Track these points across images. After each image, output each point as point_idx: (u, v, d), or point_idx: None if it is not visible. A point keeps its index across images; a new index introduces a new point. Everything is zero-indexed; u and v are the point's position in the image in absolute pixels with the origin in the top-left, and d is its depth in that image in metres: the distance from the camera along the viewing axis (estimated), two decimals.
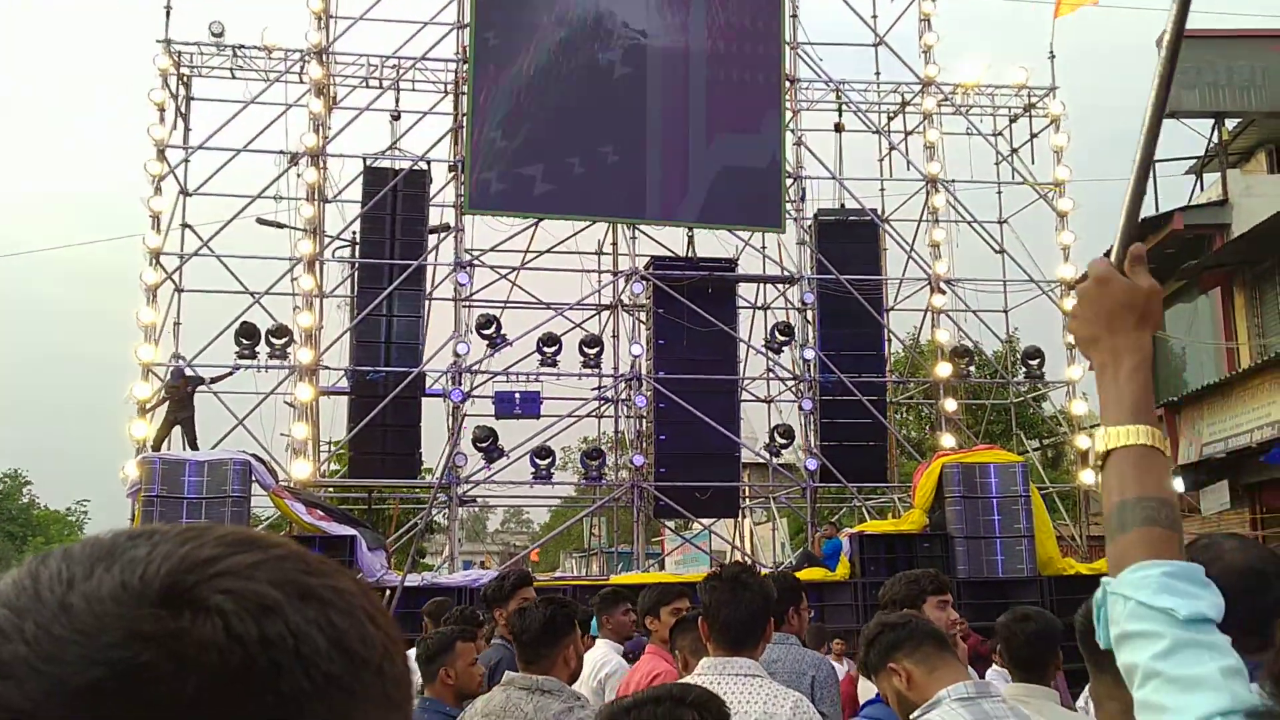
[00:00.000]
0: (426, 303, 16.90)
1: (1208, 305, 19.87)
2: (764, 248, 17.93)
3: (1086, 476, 17.12)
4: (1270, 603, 2.03)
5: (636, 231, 17.20)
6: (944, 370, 17.31)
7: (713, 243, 17.99)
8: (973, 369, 18.81)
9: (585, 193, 16.69)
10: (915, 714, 2.72)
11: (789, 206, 17.24)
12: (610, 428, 19.25)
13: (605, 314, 18.05)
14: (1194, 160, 20.66)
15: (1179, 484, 17.22)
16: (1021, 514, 12.34)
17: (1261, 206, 16.91)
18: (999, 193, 18.79)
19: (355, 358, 16.41)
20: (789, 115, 17.48)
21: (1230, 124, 19.10)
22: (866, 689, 4.38)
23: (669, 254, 17.78)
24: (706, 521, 19.09)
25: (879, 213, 18.35)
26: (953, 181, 18.06)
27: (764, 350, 17.75)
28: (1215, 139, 19.09)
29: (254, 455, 13.25)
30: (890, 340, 18.39)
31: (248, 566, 0.55)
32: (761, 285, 18.44)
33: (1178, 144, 20.69)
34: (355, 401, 16.45)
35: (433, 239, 17.16)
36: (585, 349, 16.70)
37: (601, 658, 5.23)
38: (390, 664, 0.58)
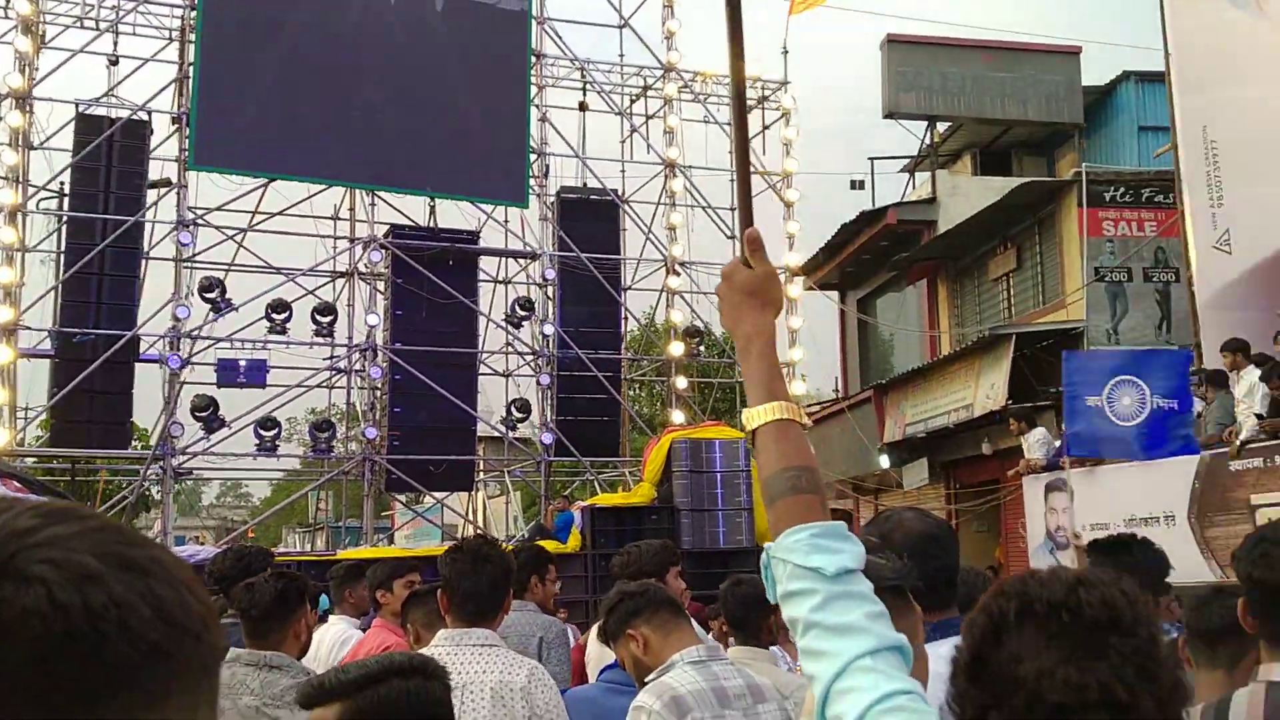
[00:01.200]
0: (144, 262, 15.85)
1: (915, 295, 21.44)
2: (507, 222, 17.91)
3: None
4: (945, 564, 2.26)
5: (375, 198, 16.77)
6: (676, 349, 17.88)
7: (455, 214, 17.80)
8: (703, 349, 19.52)
9: (321, 155, 16.10)
10: (650, 677, 2.83)
11: (532, 182, 17.29)
12: (342, 399, 18.75)
13: (340, 281, 17.53)
14: (908, 159, 22.18)
15: (884, 461, 18.52)
16: (743, 488, 12.88)
17: (964, 206, 18.38)
18: (733, 180, 19.48)
19: (61, 318, 15.20)
20: (534, 90, 17.50)
21: (941, 127, 20.60)
22: (596, 657, 4.51)
23: (409, 223, 17.43)
24: (439, 495, 18.95)
25: (620, 193, 18.67)
26: (690, 167, 18.62)
27: (504, 324, 17.75)
28: (927, 140, 20.54)
29: None
30: (627, 319, 18.81)
31: (67, 537, 0.55)
32: (503, 259, 18.41)
33: (895, 143, 22.16)
34: (60, 365, 15.24)
35: (152, 194, 16.07)
36: (318, 317, 16.17)
37: (342, 635, 5.09)
38: (208, 632, 0.59)
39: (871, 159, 21.88)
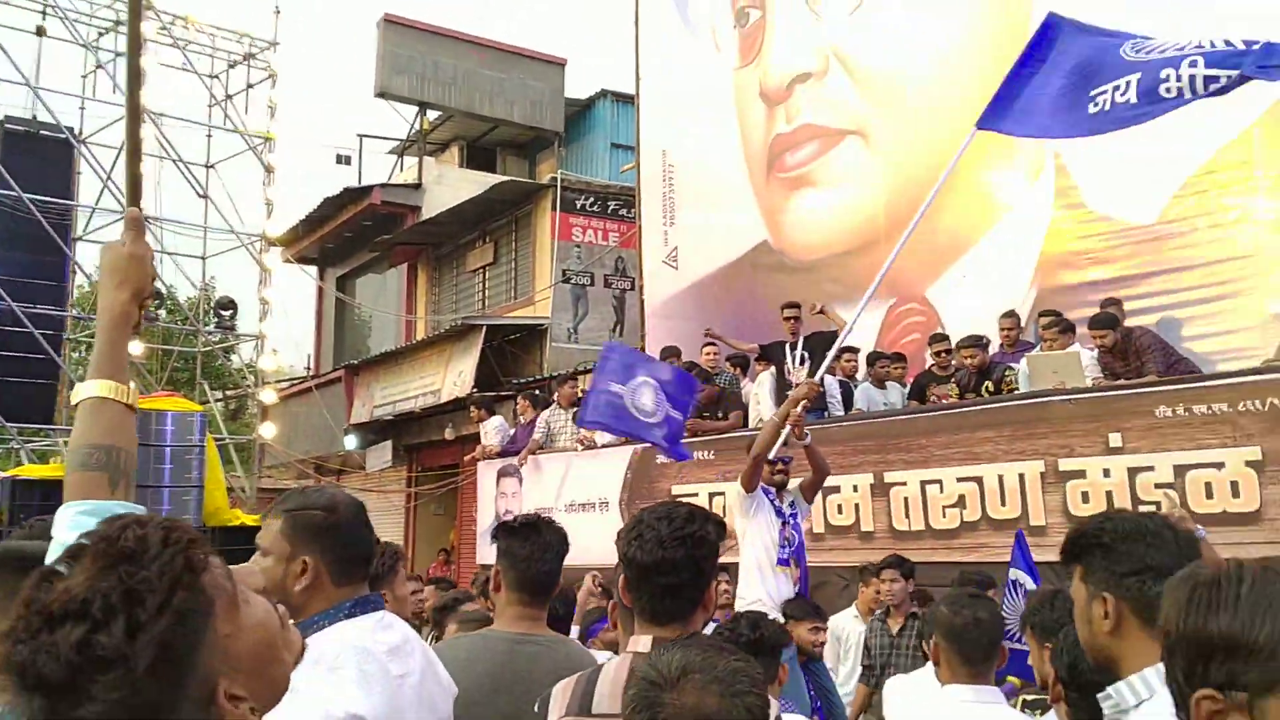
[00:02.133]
0: None
1: (396, 278, 21.51)
2: None
3: (266, 430, 17.47)
4: (362, 538, 2.31)
5: None
6: None
7: None
8: (163, 313, 18.18)
9: None
10: None
11: None
12: None
13: None
14: (397, 142, 22.19)
15: (350, 442, 18.38)
16: (195, 464, 12.15)
17: (449, 195, 18.75)
18: (209, 136, 18.29)
19: None
20: None
21: (431, 115, 20.84)
22: None
23: None
24: None
25: (76, 132, 16.82)
26: (162, 115, 17.21)
27: None
28: (417, 126, 20.69)
29: None
30: (75, 272, 16.99)
31: None
32: None
33: (384, 123, 22.06)
34: None
35: None
36: None
37: None
38: None
39: (361, 136, 21.58)
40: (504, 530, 2.92)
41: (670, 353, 11.05)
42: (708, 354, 10.95)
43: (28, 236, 15.46)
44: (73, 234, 16.56)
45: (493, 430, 12.30)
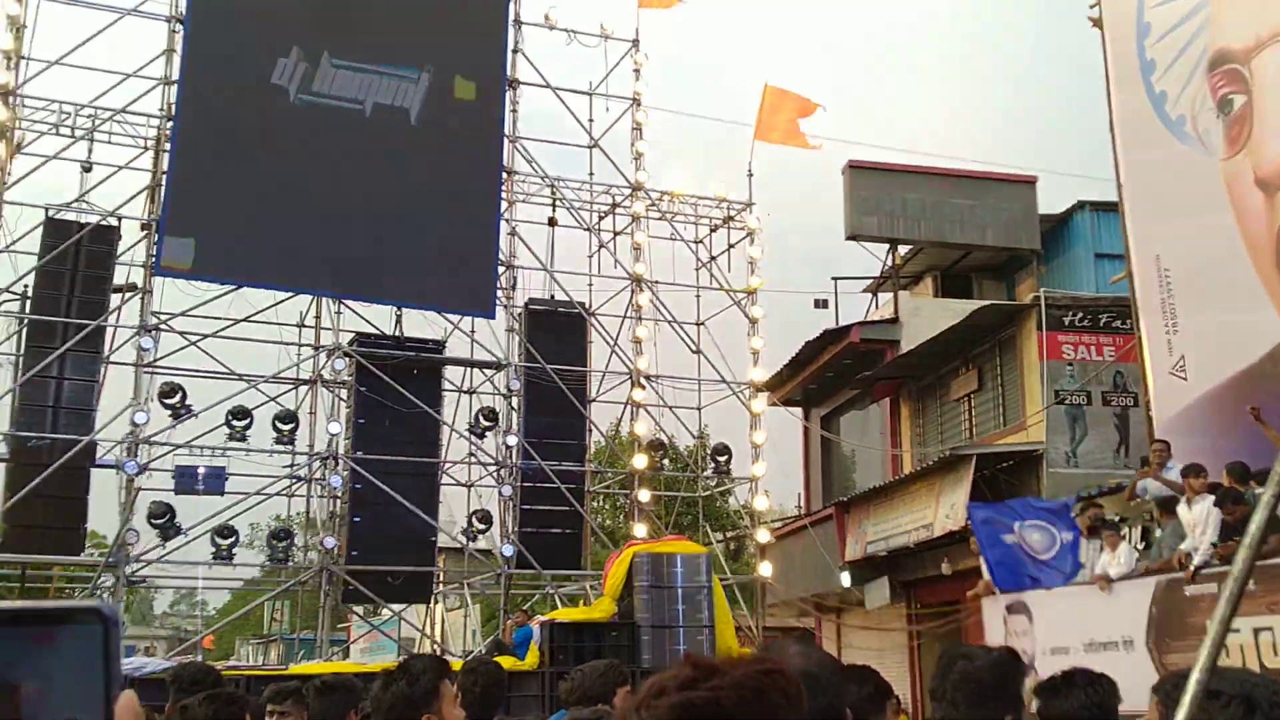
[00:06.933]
0: (104, 367, 15.72)
1: (878, 413, 21.60)
2: (473, 332, 18.00)
3: (765, 569, 18.02)
4: (823, 704, 2.18)
5: (342, 306, 16.83)
6: (640, 462, 17.86)
7: (421, 323, 17.88)
8: (666, 462, 19.51)
9: (289, 262, 16.19)
10: None
11: (500, 293, 17.43)
12: (302, 507, 18.51)
13: (303, 389, 17.45)
14: (871, 280, 22.57)
15: (846, 579, 18.38)
16: (705, 604, 12.76)
17: (927, 326, 18.66)
18: (698, 296, 19.78)
19: (18, 421, 15.00)
20: (505, 205, 17.78)
21: (903, 250, 21.03)
22: None
23: (375, 331, 17.47)
24: (396, 607, 18.61)
25: (586, 306, 18.84)
26: (656, 282, 18.85)
27: (467, 434, 17.69)
28: (889, 262, 20.95)
29: None
30: (591, 430, 18.78)
31: None
32: (468, 369, 18.45)
33: (858, 264, 22.54)
34: (14, 468, 15.02)
35: (115, 299, 16.03)
36: (279, 424, 16.04)
37: None
38: None
39: (835, 279, 22.18)
40: (1040, 692, 2.76)
41: (1193, 470, 10.03)
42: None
43: (550, 402, 17.39)
44: (587, 396, 18.38)
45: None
